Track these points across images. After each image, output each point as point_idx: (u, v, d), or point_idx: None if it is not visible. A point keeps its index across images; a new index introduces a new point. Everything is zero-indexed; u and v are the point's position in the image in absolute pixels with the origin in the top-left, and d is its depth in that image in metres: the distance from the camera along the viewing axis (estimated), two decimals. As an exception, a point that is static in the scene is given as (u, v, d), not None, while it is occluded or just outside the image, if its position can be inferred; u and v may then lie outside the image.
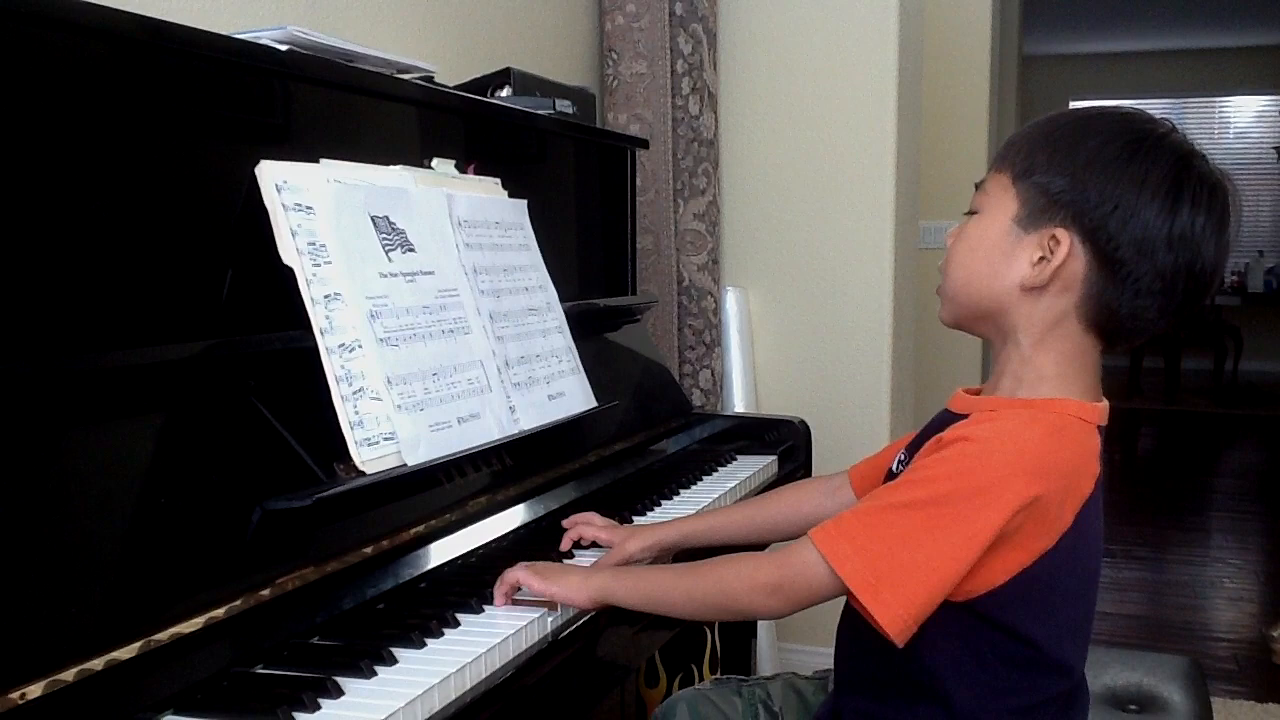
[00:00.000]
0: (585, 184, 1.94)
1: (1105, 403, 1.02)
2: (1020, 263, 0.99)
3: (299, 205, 1.13)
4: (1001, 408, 1.00)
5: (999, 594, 0.95)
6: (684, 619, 1.12)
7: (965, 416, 1.02)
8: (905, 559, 0.93)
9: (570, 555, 1.30)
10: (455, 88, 1.67)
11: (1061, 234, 0.96)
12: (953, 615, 0.96)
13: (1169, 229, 0.94)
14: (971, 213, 1.05)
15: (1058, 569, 0.96)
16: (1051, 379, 1.00)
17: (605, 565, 1.23)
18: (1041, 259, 0.98)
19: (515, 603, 1.11)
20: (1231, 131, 9.19)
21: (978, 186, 1.05)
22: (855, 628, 0.98)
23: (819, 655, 1.31)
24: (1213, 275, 0.97)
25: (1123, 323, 0.98)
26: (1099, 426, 1.01)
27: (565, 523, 1.34)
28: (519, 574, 1.11)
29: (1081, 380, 1.01)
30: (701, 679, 2.06)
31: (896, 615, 0.93)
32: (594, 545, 1.32)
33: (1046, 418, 0.97)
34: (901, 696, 1.01)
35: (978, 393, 1.06)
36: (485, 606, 1.11)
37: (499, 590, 1.11)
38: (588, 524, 1.32)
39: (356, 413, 1.11)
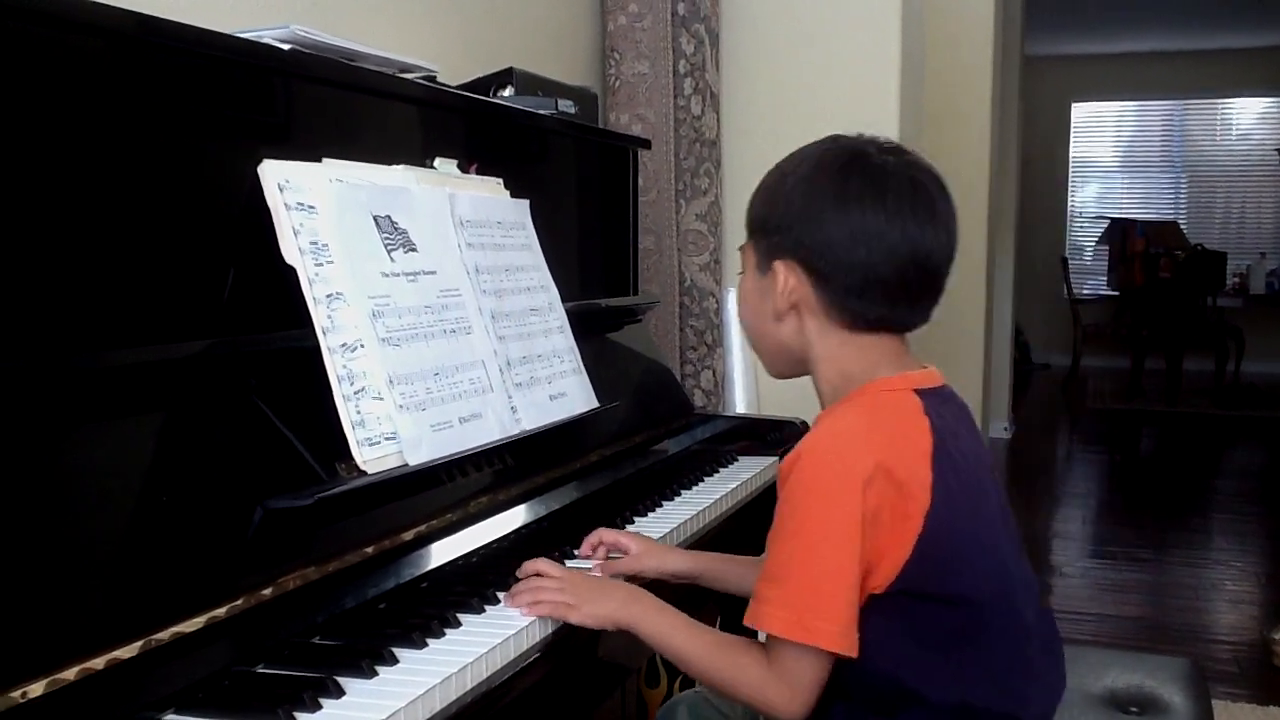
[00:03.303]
0: (587, 184, 1.93)
1: (925, 369, 1.08)
2: (770, 300, 1.10)
3: (301, 204, 1.13)
4: (824, 413, 1.09)
5: (914, 565, 0.99)
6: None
7: None
8: (808, 582, 0.99)
9: (571, 555, 1.30)
10: (457, 87, 1.67)
11: (777, 265, 1.07)
12: (891, 610, 0.99)
13: (847, 229, 1.03)
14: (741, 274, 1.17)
15: (950, 522, 1.00)
16: (855, 374, 1.07)
17: (616, 571, 1.24)
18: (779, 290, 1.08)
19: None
20: (1234, 133, 9.18)
21: (740, 250, 1.16)
22: None
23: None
24: (918, 254, 1.03)
25: (867, 315, 1.06)
26: (920, 391, 1.06)
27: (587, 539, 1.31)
28: (551, 603, 1.10)
29: (883, 364, 1.07)
30: (702, 679, 2.06)
31: (831, 632, 0.98)
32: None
33: (858, 401, 1.05)
34: (882, 705, 1.03)
35: None
36: (487, 606, 1.11)
37: (523, 602, 1.10)
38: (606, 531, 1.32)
39: (358, 412, 1.11)
